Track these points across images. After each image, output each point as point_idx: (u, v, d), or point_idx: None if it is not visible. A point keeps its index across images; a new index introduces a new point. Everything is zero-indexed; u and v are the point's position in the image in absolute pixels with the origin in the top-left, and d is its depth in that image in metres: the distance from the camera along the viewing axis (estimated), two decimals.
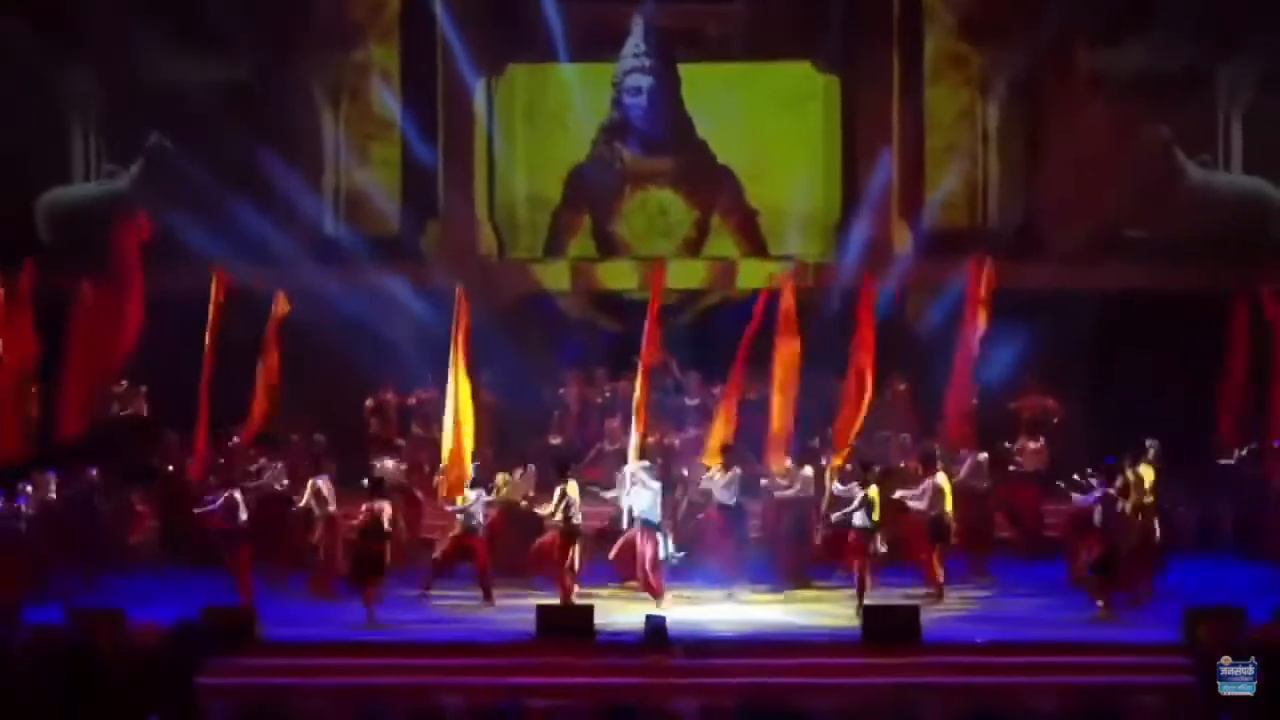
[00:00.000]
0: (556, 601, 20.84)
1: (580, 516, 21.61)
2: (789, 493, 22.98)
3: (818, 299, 28.28)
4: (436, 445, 23.47)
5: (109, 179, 29.93)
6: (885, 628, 19.28)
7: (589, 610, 19.77)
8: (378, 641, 19.76)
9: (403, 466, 24.26)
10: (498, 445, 26.15)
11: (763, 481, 23.24)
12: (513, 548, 22.58)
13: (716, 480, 22.54)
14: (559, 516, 21.41)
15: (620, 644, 19.31)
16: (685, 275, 29.28)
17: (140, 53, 28.97)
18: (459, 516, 21.94)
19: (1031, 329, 26.90)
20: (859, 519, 21.28)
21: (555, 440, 26.83)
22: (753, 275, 29.43)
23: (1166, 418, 25.18)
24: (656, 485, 21.82)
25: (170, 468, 24.77)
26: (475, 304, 29.03)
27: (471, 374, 22.94)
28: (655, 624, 19.14)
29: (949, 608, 21.31)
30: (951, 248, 28.25)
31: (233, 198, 28.66)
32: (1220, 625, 18.53)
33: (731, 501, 22.54)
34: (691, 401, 26.77)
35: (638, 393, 22.69)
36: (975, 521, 23.27)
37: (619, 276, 29.97)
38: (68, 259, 26.50)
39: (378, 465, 23.40)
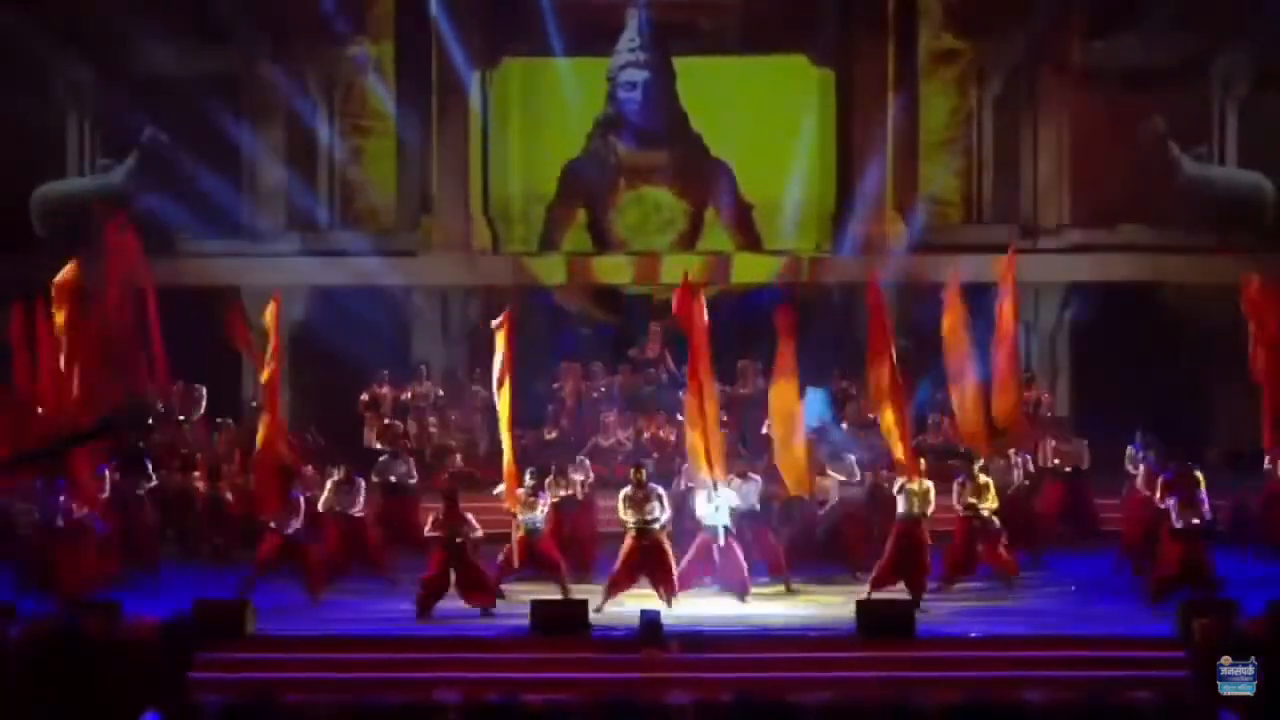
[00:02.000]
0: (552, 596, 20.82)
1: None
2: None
3: (814, 294, 28.34)
4: (429, 438, 23.43)
5: (103, 173, 29.91)
6: (880, 622, 19.27)
7: (583, 605, 19.75)
8: (372, 636, 19.72)
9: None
10: (489, 440, 26.16)
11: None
12: (571, 543, 22.23)
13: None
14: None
15: (615, 639, 19.30)
16: (680, 269, 29.21)
17: (136, 46, 28.96)
18: (522, 522, 21.13)
19: (1027, 322, 26.87)
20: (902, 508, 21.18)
21: (550, 435, 26.81)
22: (748, 269, 29.44)
23: (1162, 410, 25.18)
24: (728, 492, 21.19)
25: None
26: (468, 298, 29.26)
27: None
28: (650, 619, 19.13)
29: (944, 601, 21.27)
30: (946, 242, 28.27)
31: (226, 191, 28.68)
32: (1215, 619, 18.52)
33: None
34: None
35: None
36: (1027, 517, 23.14)
37: (615, 271, 29.95)
38: (61, 252, 26.45)
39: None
